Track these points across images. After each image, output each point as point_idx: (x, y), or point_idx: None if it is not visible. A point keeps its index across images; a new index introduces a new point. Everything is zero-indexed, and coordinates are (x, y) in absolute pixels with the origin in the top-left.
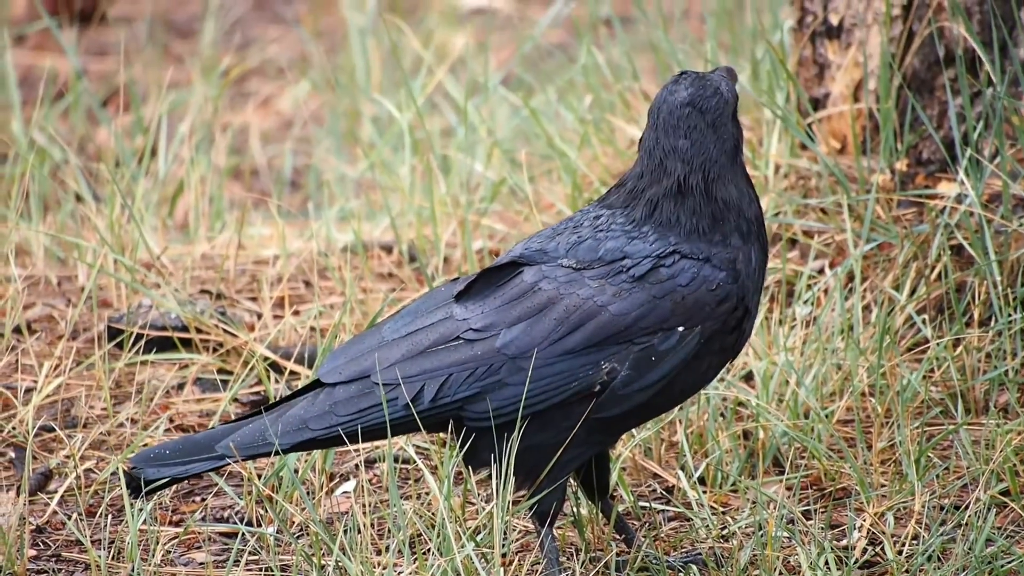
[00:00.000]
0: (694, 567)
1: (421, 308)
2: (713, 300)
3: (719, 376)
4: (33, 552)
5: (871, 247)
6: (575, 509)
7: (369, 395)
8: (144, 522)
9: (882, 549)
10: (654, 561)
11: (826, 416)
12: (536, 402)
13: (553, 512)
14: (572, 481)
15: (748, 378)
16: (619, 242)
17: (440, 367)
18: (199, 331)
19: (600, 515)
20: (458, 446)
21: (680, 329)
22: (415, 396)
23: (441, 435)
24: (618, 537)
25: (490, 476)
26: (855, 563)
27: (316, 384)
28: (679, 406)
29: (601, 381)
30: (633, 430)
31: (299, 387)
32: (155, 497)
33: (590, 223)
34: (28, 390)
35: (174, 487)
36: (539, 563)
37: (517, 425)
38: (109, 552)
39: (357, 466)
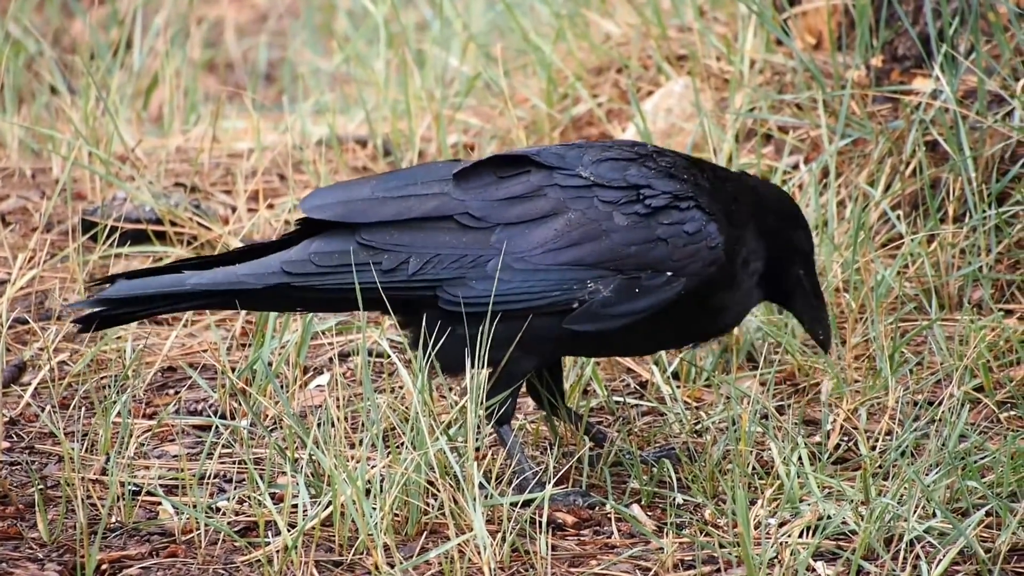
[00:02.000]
0: (667, 462)
1: (416, 176)
2: (707, 257)
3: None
4: (6, 444)
5: (846, 143)
6: (547, 404)
7: (350, 254)
8: (117, 414)
9: (855, 445)
10: (627, 456)
11: None
12: (515, 302)
13: (505, 412)
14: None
15: None
16: (643, 171)
17: (429, 245)
18: (173, 224)
19: (567, 421)
20: (431, 344)
21: (668, 274)
22: (397, 265)
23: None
24: (588, 439)
25: (457, 371)
26: (828, 458)
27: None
28: (640, 355)
29: (581, 298)
30: None
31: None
32: (129, 390)
33: (618, 146)
34: (2, 282)
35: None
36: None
37: (489, 319)
38: (82, 444)
39: (331, 359)
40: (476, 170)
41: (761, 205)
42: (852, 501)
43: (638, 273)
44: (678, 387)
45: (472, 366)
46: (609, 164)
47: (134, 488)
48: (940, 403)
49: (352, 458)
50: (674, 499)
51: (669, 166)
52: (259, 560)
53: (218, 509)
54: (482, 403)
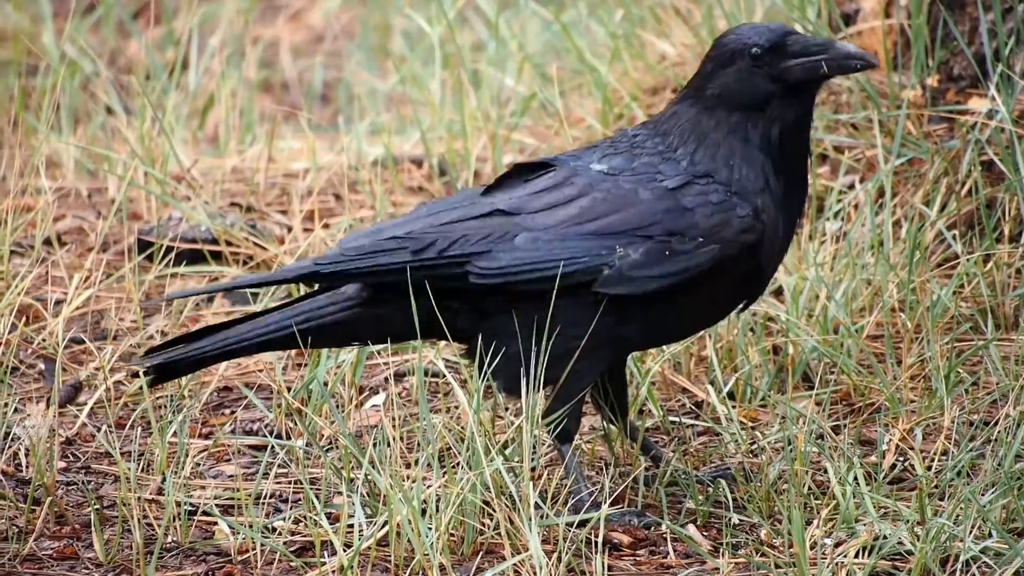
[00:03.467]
0: (723, 482)
1: (447, 201)
2: (738, 225)
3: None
4: (63, 464)
5: (901, 162)
6: (604, 423)
7: (379, 243)
8: (174, 434)
9: (911, 465)
10: (683, 476)
11: (856, 331)
12: (544, 269)
13: (567, 428)
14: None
15: (778, 293)
16: (654, 159)
17: (456, 229)
18: (229, 244)
19: (626, 437)
20: (487, 362)
21: (699, 239)
22: (424, 247)
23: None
24: (645, 457)
25: (514, 390)
26: (884, 478)
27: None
28: (686, 339)
29: (610, 263)
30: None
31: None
32: (185, 410)
33: (627, 141)
34: (58, 302)
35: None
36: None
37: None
38: (138, 464)
39: (386, 379)
40: (501, 181)
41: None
42: (908, 521)
43: (668, 238)
44: (733, 407)
45: (528, 380)
46: (621, 157)
47: (190, 508)
48: (996, 423)
49: (408, 478)
50: (730, 519)
51: (666, 150)
52: None
53: (274, 529)
54: (539, 420)
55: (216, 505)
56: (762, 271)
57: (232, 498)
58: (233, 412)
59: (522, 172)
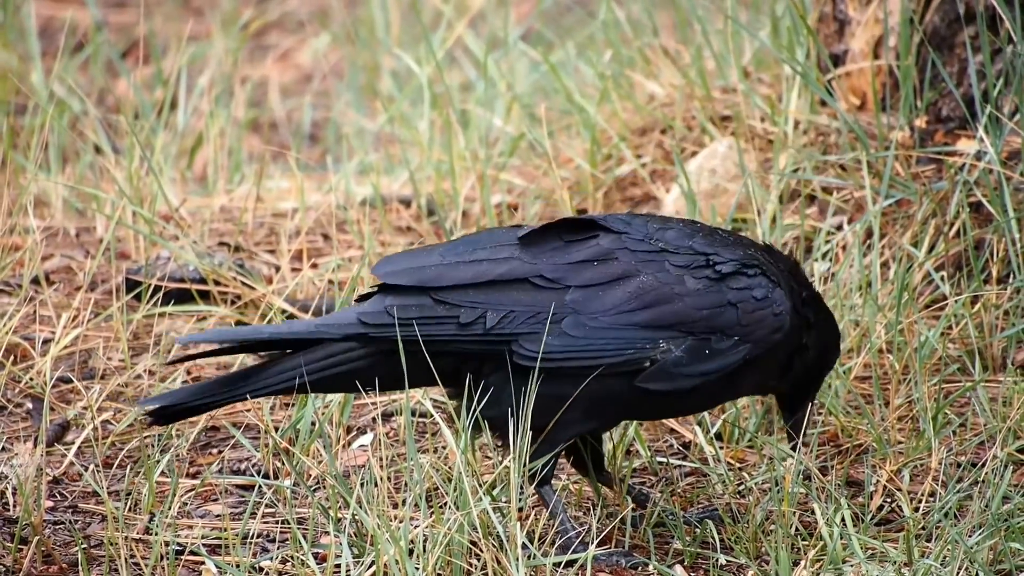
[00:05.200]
0: (710, 523)
1: (482, 241)
2: (773, 324)
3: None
4: (50, 503)
5: (890, 203)
6: (589, 468)
7: (427, 307)
8: (161, 473)
9: (899, 506)
10: (670, 516)
11: (843, 372)
12: (590, 357)
13: (547, 473)
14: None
15: None
16: (708, 240)
17: (504, 302)
18: (217, 283)
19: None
20: (476, 399)
21: (736, 338)
22: (474, 320)
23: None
24: (630, 500)
25: (502, 429)
26: (871, 519)
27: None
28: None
29: (653, 357)
30: None
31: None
32: (172, 449)
33: (678, 220)
34: (46, 341)
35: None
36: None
37: (546, 375)
38: (126, 503)
39: (374, 419)
40: (542, 234)
41: (817, 304)
42: (895, 563)
43: (708, 335)
44: (721, 448)
45: (526, 426)
46: (675, 233)
47: (178, 547)
48: (983, 464)
49: (395, 518)
50: (717, 560)
51: (729, 237)
52: None
53: (261, 569)
54: (526, 464)
55: (203, 545)
56: (785, 370)
57: (219, 538)
58: (220, 451)
59: (565, 228)
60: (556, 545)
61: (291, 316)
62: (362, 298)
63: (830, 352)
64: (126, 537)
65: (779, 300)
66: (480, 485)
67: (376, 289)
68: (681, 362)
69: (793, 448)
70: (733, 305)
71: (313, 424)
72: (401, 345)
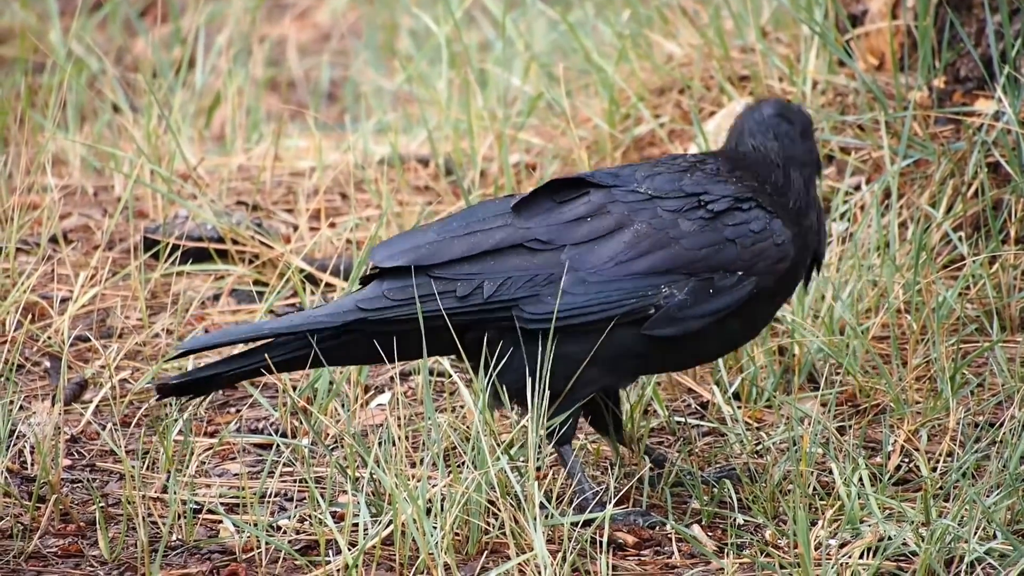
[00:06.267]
0: (728, 482)
1: (475, 214)
2: (775, 255)
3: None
4: (68, 462)
5: (908, 164)
6: (610, 427)
7: (424, 285)
8: (179, 432)
9: (916, 466)
10: (688, 476)
11: (862, 332)
12: (593, 313)
13: (566, 432)
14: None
15: None
16: (700, 178)
17: (500, 269)
18: (235, 242)
19: (622, 445)
20: (492, 363)
21: (739, 273)
22: (471, 291)
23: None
24: (648, 460)
25: (520, 393)
26: (889, 479)
27: None
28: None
29: (657, 304)
30: None
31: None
32: (189, 408)
33: (669, 161)
34: (64, 300)
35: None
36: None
37: (556, 335)
38: (143, 462)
39: (392, 379)
40: (534, 198)
41: (785, 155)
42: (913, 522)
43: (710, 275)
44: (739, 407)
45: (544, 386)
46: (663, 177)
47: (195, 506)
48: (1001, 424)
49: (413, 477)
50: (735, 519)
51: (715, 172)
52: None
53: (279, 528)
54: (543, 423)
55: (221, 503)
56: (791, 290)
57: (237, 497)
58: (238, 411)
59: (556, 189)
60: (573, 505)
61: (309, 276)
62: (364, 280)
63: (813, 153)
64: (143, 496)
65: (778, 230)
66: (498, 444)
67: (376, 272)
68: (686, 304)
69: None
70: (731, 241)
71: (331, 383)
72: (422, 320)
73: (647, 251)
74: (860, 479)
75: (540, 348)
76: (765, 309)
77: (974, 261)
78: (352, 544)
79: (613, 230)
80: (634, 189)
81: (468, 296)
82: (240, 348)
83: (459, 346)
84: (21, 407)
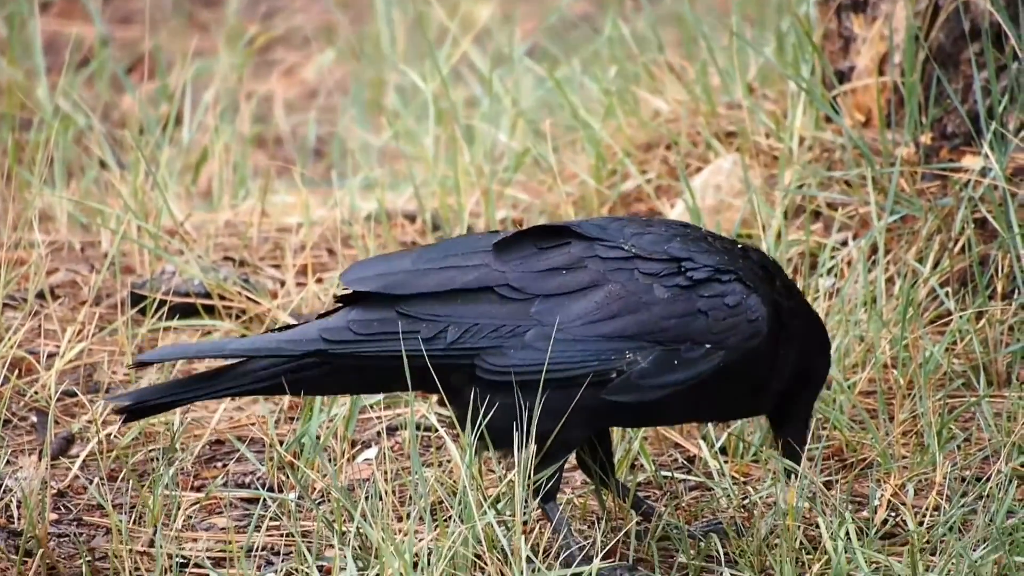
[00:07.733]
0: (715, 536)
1: (456, 247)
2: (747, 331)
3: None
4: (54, 516)
5: (895, 219)
6: (597, 476)
7: (389, 322)
8: (166, 487)
9: (903, 520)
10: (675, 530)
11: (848, 387)
12: (553, 371)
13: (551, 488)
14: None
15: None
16: (686, 245)
17: (467, 315)
18: (222, 298)
19: (616, 495)
20: (480, 415)
21: (707, 346)
22: (435, 335)
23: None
24: (636, 513)
25: (506, 444)
26: (876, 534)
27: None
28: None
29: (619, 368)
30: None
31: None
32: (177, 462)
33: (661, 223)
34: (51, 355)
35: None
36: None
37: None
38: (130, 516)
39: (379, 433)
40: (517, 240)
41: (800, 314)
42: None
43: (677, 345)
44: (726, 462)
45: (519, 438)
46: (651, 237)
47: (182, 560)
48: (988, 479)
49: (400, 531)
50: (721, 574)
51: (713, 243)
52: None
53: None
54: (530, 478)
55: (208, 558)
56: (766, 381)
57: (224, 551)
58: (225, 465)
59: (540, 235)
60: (560, 559)
61: None
62: (341, 300)
63: (816, 365)
64: (130, 550)
65: (754, 306)
66: (485, 499)
67: (349, 294)
68: (647, 373)
69: (789, 476)
70: (703, 313)
71: (318, 438)
72: (406, 356)
73: (616, 314)
74: (847, 533)
75: (495, 399)
76: (736, 388)
77: (961, 316)
78: None
79: (586, 287)
80: (618, 245)
81: (432, 339)
82: (206, 366)
83: (413, 385)
84: (8, 462)
